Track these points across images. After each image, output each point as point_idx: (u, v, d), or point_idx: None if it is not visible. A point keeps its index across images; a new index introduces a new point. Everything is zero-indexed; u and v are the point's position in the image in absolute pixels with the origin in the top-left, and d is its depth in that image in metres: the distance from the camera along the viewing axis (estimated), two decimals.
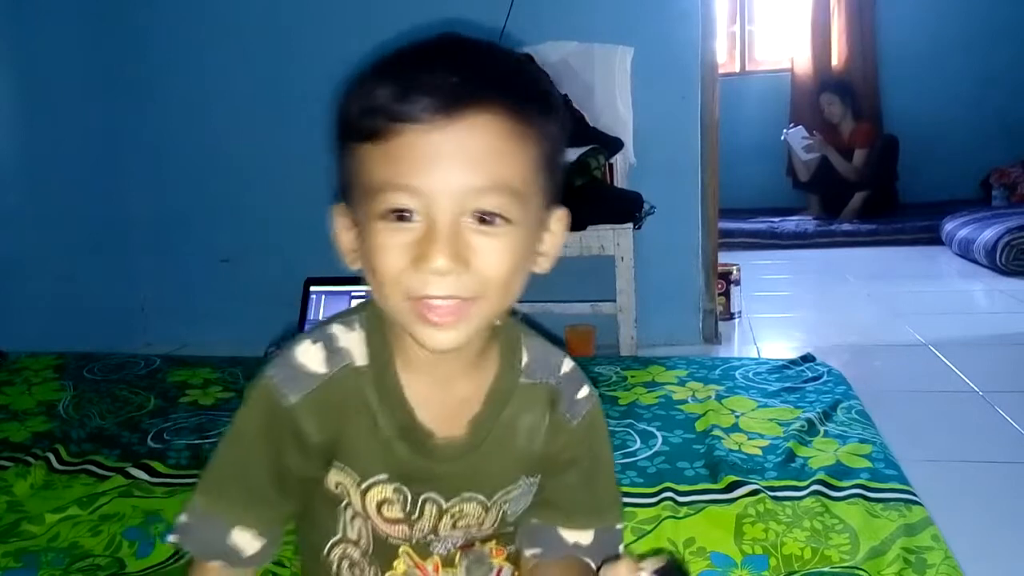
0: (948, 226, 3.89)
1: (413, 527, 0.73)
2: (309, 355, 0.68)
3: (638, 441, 1.46)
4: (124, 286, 2.68)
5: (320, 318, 1.58)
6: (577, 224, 2.04)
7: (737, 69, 5.29)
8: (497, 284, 0.62)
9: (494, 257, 0.60)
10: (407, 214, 0.59)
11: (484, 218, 0.60)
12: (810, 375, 1.79)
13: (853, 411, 1.55)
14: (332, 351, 0.69)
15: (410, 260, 0.59)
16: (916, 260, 3.82)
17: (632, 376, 1.81)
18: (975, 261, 3.51)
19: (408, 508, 0.71)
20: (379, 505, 0.71)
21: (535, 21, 2.33)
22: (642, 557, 0.69)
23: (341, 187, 0.66)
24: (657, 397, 1.68)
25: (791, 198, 4.94)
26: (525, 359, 0.74)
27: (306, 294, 1.78)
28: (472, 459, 0.71)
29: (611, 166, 2.21)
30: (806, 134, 4.70)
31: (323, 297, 1.77)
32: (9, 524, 1.20)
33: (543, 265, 0.68)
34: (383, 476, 0.70)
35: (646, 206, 2.17)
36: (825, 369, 1.81)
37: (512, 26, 2.30)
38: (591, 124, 2.22)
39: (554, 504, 0.77)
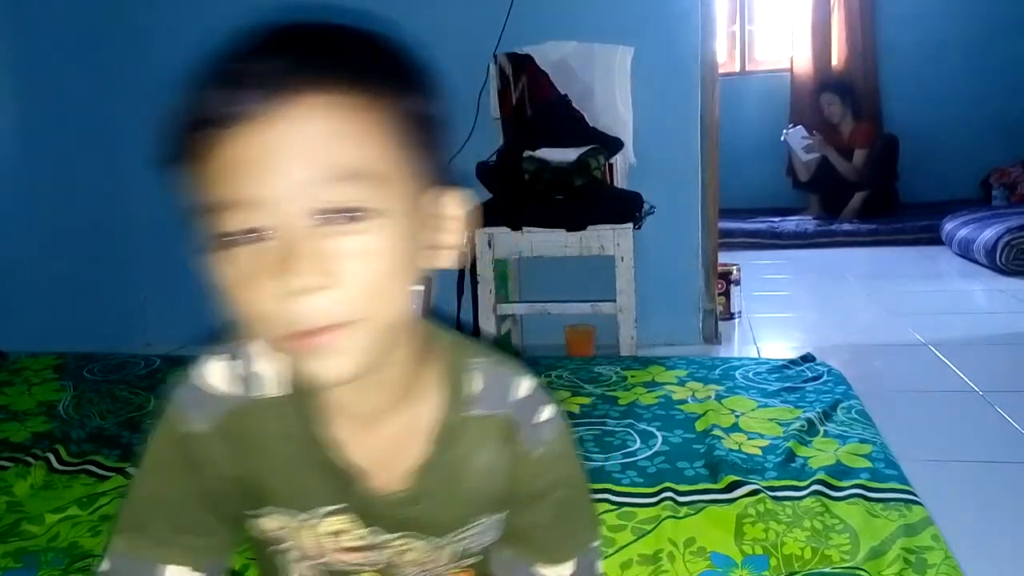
0: (948, 226, 3.89)
1: (371, 552, 0.67)
2: (217, 376, 0.61)
3: (638, 441, 1.46)
4: (124, 286, 2.68)
5: None
6: (577, 224, 2.05)
7: (737, 69, 5.29)
8: (376, 291, 0.51)
9: (364, 260, 0.51)
10: (251, 234, 0.49)
11: (342, 215, 0.50)
12: (810, 375, 1.79)
13: (853, 411, 1.55)
14: (244, 375, 0.61)
15: (270, 285, 0.49)
16: (916, 260, 3.82)
17: (632, 376, 1.81)
18: (975, 261, 3.51)
19: (359, 537, 0.65)
20: (335, 536, 0.65)
21: (535, 21, 2.33)
22: None
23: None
24: (657, 397, 1.68)
25: (791, 198, 4.94)
26: (473, 387, 0.64)
27: None
28: (414, 506, 0.64)
29: (611, 166, 2.21)
30: (806, 134, 4.70)
31: None
32: (9, 524, 1.20)
33: (443, 260, 0.58)
34: (330, 507, 0.64)
35: (646, 206, 2.17)
36: (825, 369, 1.81)
37: (512, 26, 2.30)
38: (591, 124, 2.22)
39: (528, 540, 0.69)
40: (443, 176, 0.57)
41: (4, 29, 2.29)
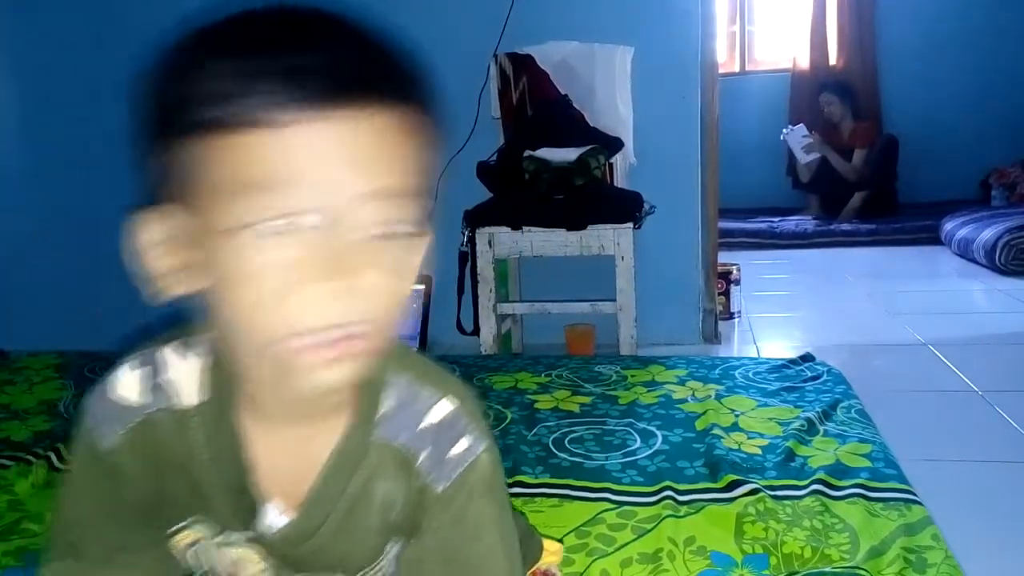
0: (947, 226, 3.90)
1: None
2: (128, 386, 0.58)
3: (638, 440, 1.46)
4: (125, 285, 2.67)
5: None
6: (577, 224, 2.05)
7: (737, 69, 5.29)
8: (396, 305, 0.50)
9: (399, 275, 0.49)
10: (293, 222, 0.46)
11: (385, 229, 0.48)
12: (809, 374, 1.79)
13: (853, 410, 1.55)
14: (156, 383, 0.57)
15: (300, 281, 0.47)
16: (915, 260, 3.83)
17: (632, 375, 1.81)
18: (974, 261, 3.52)
19: (266, 570, 0.61)
20: (240, 562, 0.61)
21: (535, 21, 2.33)
22: None
23: (159, 185, 0.52)
24: (657, 396, 1.68)
25: (791, 198, 4.94)
26: (383, 408, 0.58)
27: None
28: (315, 543, 0.58)
29: (611, 166, 2.21)
30: (807, 132, 4.70)
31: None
32: (10, 523, 1.20)
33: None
34: (233, 535, 0.60)
35: (646, 206, 2.18)
36: (824, 368, 1.81)
37: (512, 26, 2.30)
38: (591, 124, 2.22)
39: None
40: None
41: (4, 29, 2.29)
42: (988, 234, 3.39)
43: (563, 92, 2.24)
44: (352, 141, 0.46)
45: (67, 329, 2.34)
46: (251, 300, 0.48)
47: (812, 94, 4.94)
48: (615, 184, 2.23)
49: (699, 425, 1.52)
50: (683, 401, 1.65)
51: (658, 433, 1.49)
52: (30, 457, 1.42)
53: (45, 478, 1.36)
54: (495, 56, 2.30)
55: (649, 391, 1.71)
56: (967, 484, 1.43)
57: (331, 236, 0.47)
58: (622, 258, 2.07)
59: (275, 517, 0.58)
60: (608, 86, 2.29)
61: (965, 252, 3.61)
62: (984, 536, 1.22)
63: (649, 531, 1.14)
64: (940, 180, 4.75)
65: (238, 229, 0.46)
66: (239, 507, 0.58)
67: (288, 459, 0.57)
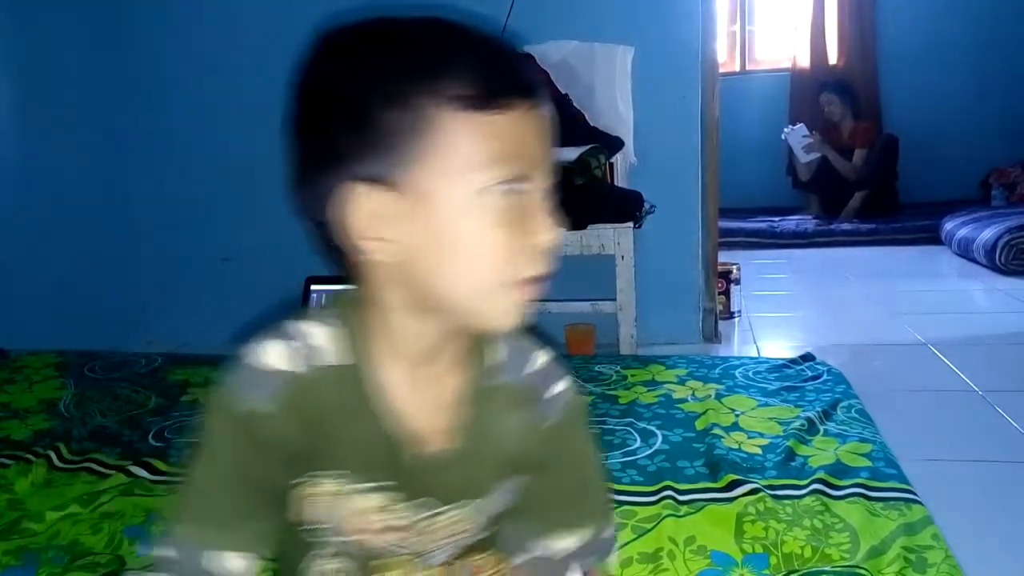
0: (948, 226, 3.90)
1: (407, 533, 0.69)
2: (273, 354, 0.62)
3: (638, 440, 1.46)
4: (125, 284, 2.68)
5: None
6: (577, 223, 2.05)
7: (737, 69, 5.29)
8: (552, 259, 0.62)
9: (557, 232, 0.61)
10: (514, 188, 0.57)
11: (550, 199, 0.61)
12: (810, 374, 1.79)
13: (853, 410, 1.55)
14: (302, 348, 0.63)
15: (522, 233, 0.58)
16: (915, 260, 3.83)
17: (632, 375, 1.81)
18: (974, 260, 3.52)
19: (403, 512, 0.68)
20: (373, 512, 0.67)
21: (536, 21, 2.33)
22: None
23: (377, 157, 0.56)
24: (657, 396, 1.68)
25: (791, 198, 4.94)
26: (497, 357, 0.70)
27: (307, 293, 1.78)
28: (456, 466, 0.67)
29: (611, 165, 2.21)
30: (807, 132, 4.70)
31: (324, 296, 1.77)
32: (10, 522, 1.20)
33: None
34: (376, 483, 0.66)
35: (646, 205, 2.18)
36: (825, 368, 1.82)
37: (513, 25, 2.30)
38: (591, 123, 2.22)
39: (533, 509, 0.73)
40: None
41: (4, 29, 2.29)
42: (988, 234, 3.39)
43: (563, 92, 2.24)
44: (544, 127, 0.59)
45: (67, 328, 2.34)
46: (486, 256, 0.58)
47: (812, 94, 4.93)
48: (615, 184, 2.23)
49: (699, 425, 1.52)
50: (683, 401, 1.65)
51: (658, 433, 1.49)
52: (30, 456, 1.42)
53: (45, 477, 1.36)
54: None
55: (649, 391, 1.71)
56: (967, 484, 1.43)
57: (536, 201, 0.59)
58: (622, 257, 2.07)
59: (418, 448, 0.66)
60: (608, 86, 2.29)
61: (965, 252, 3.61)
62: (984, 535, 1.22)
63: (649, 531, 1.14)
64: (940, 180, 4.74)
65: (475, 195, 0.56)
66: (382, 446, 0.65)
67: (423, 403, 0.66)
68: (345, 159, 0.57)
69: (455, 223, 0.57)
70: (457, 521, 0.70)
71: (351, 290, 0.65)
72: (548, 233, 0.59)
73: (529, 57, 0.57)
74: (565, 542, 0.73)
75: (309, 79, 0.61)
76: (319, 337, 0.64)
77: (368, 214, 0.57)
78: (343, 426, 0.64)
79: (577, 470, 0.74)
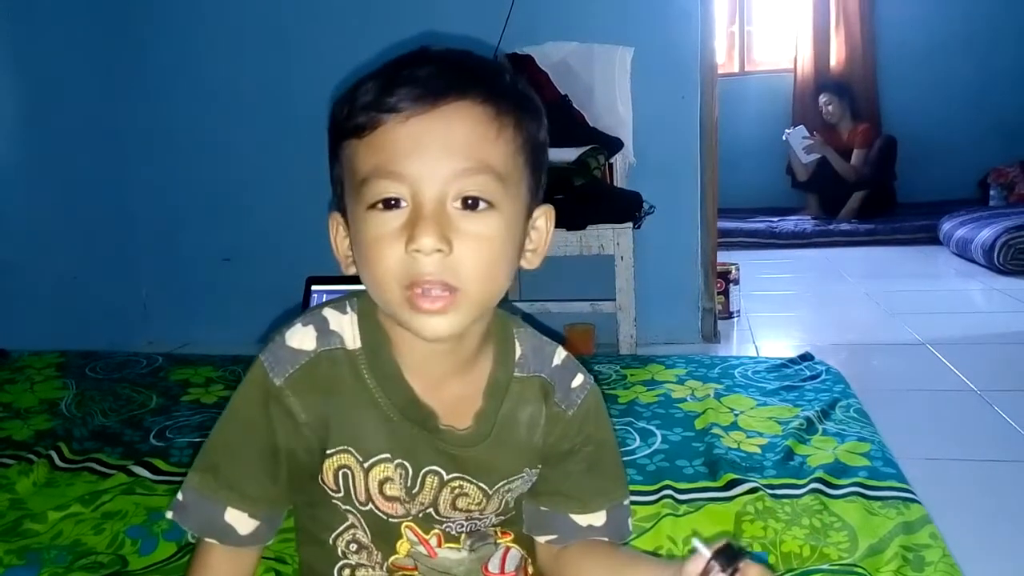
0: (946, 226, 3.90)
1: (413, 501, 0.72)
2: (298, 336, 0.69)
3: (637, 439, 1.46)
4: (126, 285, 2.68)
5: None
6: (577, 223, 2.05)
7: (736, 69, 5.30)
8: (481, 269, 0.63)
9: (477, 241, 0.62)
10: (394, 201, 0.61)
11: (468, 201, 0.62)
12: (808, 374, 1.79)
13: (851, 409, 1.56)
14: (322, 332, 0.70)
15: (400, 245, 0.61)
16: (914, 259, 3.84)
17: (631, 375, 1.81)
18: (973, 260, 3.52)
19: (408, 483, 0.71)
20: (380, 484, 0.71)
21: (535, 21, 2.34)
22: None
23: (335, 192, 0.68)
24: (656, 395, 1.68)
25: (790, 198, 4.95)
26: (518, 353, 0.76)
27: (307, 293, 1.79)
28: (478, 451, 0.72)
29: (611, 166, 2.22)
30: (807, 133, 4.70)
31: (325, 296, 1.78)
32: (12, 522, 1.20)
33: (533, 262, 0.71)
34: (386, 455, 0.70)
35: (646, 206, 2.18)
36: (823, 368, 1.82)
37: (512, 26, 2.31)
38: (591, 124, 2.23)
39: (562, 492, 0.78)
40: (540, 193, 0.70)
41: (5, 28, 2.29)
42: (986, 234, 3.40)
43: (563, 92, 2.24)
44: (444, 129, 0.61)
45: (68, 328, 2.35)
46: (373, 265, 0.63)
47: (811, 95, 4.95)
48: (615, 184, 2.24)
49: (698, 424, 1.52)
50: (682, 400, 1.65)
51: (657, 432, 1.49)
52: (31, 456, 1.42)
53: (46, 477, 1.36)
54: (495, 57, 2.30)
55: (648, 390, 1.71)
56: (965, 483, 1.43)
57: (419, 208, 0.61)
58: (622, 258, 2.08)
59: (448, 428, 0.71)
60: (608, 86, 2.29)
61: (963, 252, 3.62)
62: (982, 534, 1.22)
63: (648, 530, 1.15)
64: (938, 180, 4.75)
65: (362, 212, 0.63)
66: (413, 416, 0.70)
67: (442, 398, 0.71)
68: (334, 194, 0.69)
69: (358, 238, 0.64)
70: (467, 495, 0.73)
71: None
72: (421, 239, 0.60)
73: (482, 63, 0.67)
74: (592, 519, 0.78)
75: None
76: (341, 322, 0.70)
77: (337, 236, 0.69)
78: (361, 402, 0.69)
79: (600, 455, 0.79)
